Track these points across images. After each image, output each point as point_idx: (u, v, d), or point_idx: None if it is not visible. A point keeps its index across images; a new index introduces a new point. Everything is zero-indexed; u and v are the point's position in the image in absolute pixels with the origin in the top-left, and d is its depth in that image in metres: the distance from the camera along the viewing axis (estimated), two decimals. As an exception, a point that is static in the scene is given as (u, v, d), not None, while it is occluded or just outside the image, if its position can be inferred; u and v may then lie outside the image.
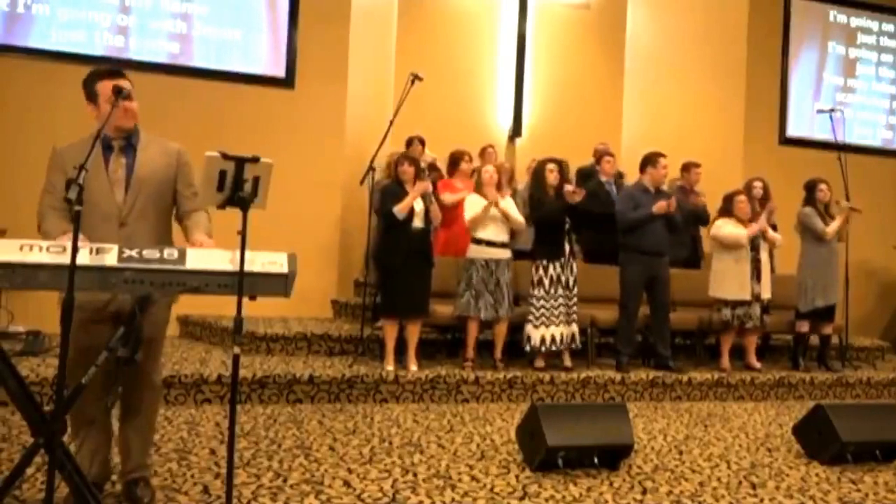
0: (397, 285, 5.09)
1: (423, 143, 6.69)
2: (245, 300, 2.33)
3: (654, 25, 8.78)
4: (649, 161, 5.77)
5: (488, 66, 8.23)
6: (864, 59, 8.81)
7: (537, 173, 5.55)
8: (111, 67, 2.68)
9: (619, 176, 6.82)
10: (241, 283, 2.27)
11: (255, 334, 5.45)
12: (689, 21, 8.50)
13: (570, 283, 5.37)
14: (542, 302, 5.31)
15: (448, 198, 5.70)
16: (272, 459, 3.45)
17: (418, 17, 7.94)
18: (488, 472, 3.43)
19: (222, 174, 2.38)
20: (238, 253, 2.28)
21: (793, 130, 8.40)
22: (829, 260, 6.14)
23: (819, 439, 3.93)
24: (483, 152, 6.73)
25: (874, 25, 8.85)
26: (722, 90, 8.19)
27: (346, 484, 3.16)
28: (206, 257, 2.33)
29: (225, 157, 2.37)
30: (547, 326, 5.30)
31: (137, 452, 2.77)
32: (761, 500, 3.25)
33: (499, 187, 5.39)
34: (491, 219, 5.29)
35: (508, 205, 5.37)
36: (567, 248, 5.37)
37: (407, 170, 5.19)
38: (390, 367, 5.08)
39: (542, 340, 5.29)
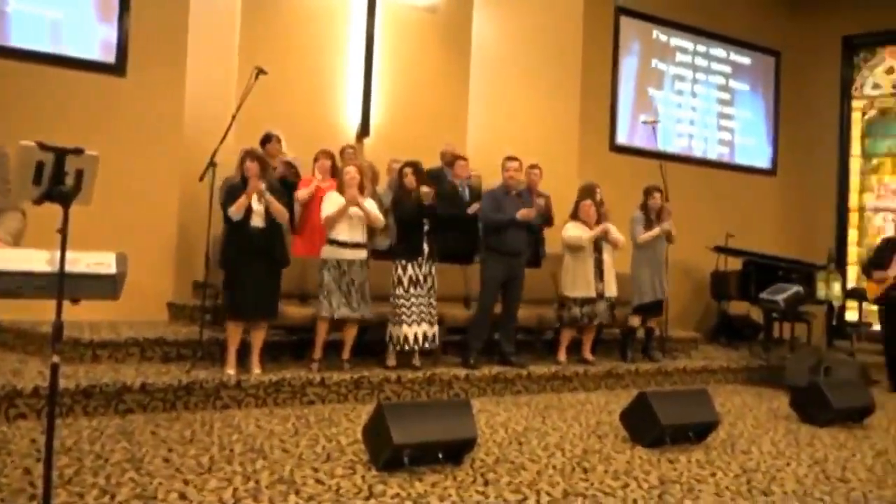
0: (242, 286, 4.90)
1: (279, 140, 6.45)
2: (67, 304, 2.16)
3: (498, 31, 9.09)
4: (502, 165, 6.06)
5: (337, 64, 8.13)
6: (681, 76, 9.71)
7: (398, 176, 5.60)
8: None
9: (468, 178, 7.00)
10: (62, 285, 2.09)
11: (78, 341, 5.02)
12: (529, 29, 8.89)
13: (430, 283, 5.47)
14: (402, 301, 5.36)
15: (300, 194, 5.57)
16: (98, 475, 3.20)
17: (264, 8, 7.67)
18: (334, 474, 3.40)
19: (39, 166, 2.18)
20: (58, 252, 2.11)
21: (621, 139, 9.07)
22: (655, 259, 6.68)
23: (642, 425, 4.28)
24: (343, 152, 6.62)
25: (689, 46, 9.76)
26: (560, 97, 8.66)
27: (182, 496, 3.00)
28: (21, 257, 2.13)
29: (42, 147, 2.17)
30: (409, 325, 5.35)
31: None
32: (592, 484, 3.48)
33: (361, 188, 5.34)
34: (347, 219, 5.24)
35: (369, 204, 5.34)
36: (426, 248, 5.46)
37: (250, 166, 4.98)
38: (231, 370, 4.88)
39: (406, 339, 5.34)
